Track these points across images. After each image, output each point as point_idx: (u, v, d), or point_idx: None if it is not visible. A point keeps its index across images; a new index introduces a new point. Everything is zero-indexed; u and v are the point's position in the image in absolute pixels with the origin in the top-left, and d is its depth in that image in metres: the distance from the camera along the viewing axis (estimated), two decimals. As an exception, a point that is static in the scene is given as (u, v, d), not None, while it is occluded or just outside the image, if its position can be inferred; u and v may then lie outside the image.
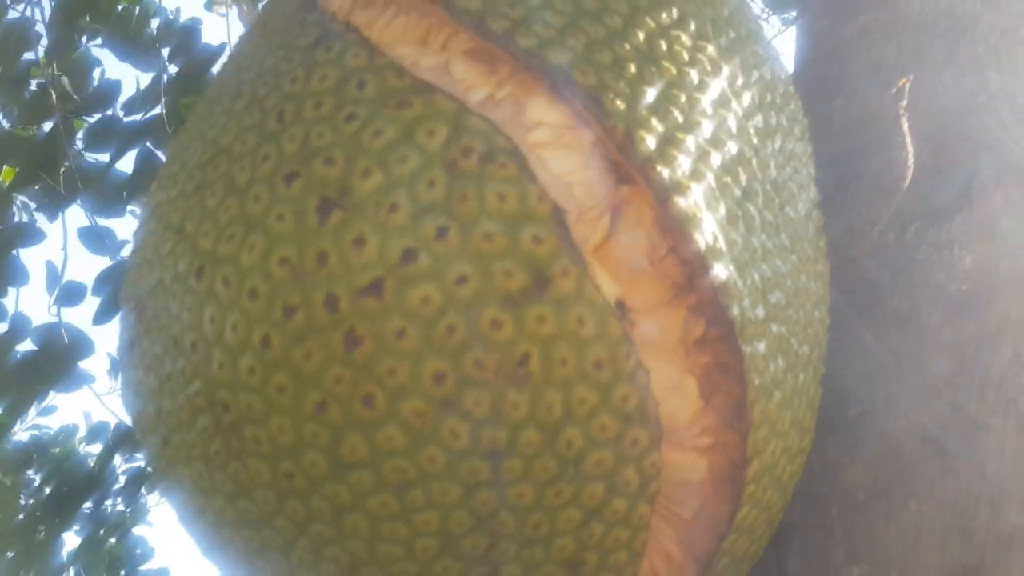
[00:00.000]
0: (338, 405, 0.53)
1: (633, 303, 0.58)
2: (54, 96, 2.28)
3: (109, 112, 2.40)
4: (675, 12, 0.65)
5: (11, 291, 2.37)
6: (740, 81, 0.65)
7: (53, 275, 2.36)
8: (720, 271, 0.58)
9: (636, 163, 0.57)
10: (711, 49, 0.65)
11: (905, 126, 0.68)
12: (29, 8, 2.41)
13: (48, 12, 2.40)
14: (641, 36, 0.62)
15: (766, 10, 2.94)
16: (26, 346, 2.33)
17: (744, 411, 0.60)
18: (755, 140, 0.64)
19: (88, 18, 2.41)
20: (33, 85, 2.44)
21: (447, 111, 0.55)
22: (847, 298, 0.78)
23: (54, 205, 2.31)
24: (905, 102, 0.69)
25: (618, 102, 0.58)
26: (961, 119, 0.84)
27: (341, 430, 0.54)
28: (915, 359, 0.75)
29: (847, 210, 0.81)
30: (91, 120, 2.40)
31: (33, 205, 2.53)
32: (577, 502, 0.57)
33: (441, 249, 0.53)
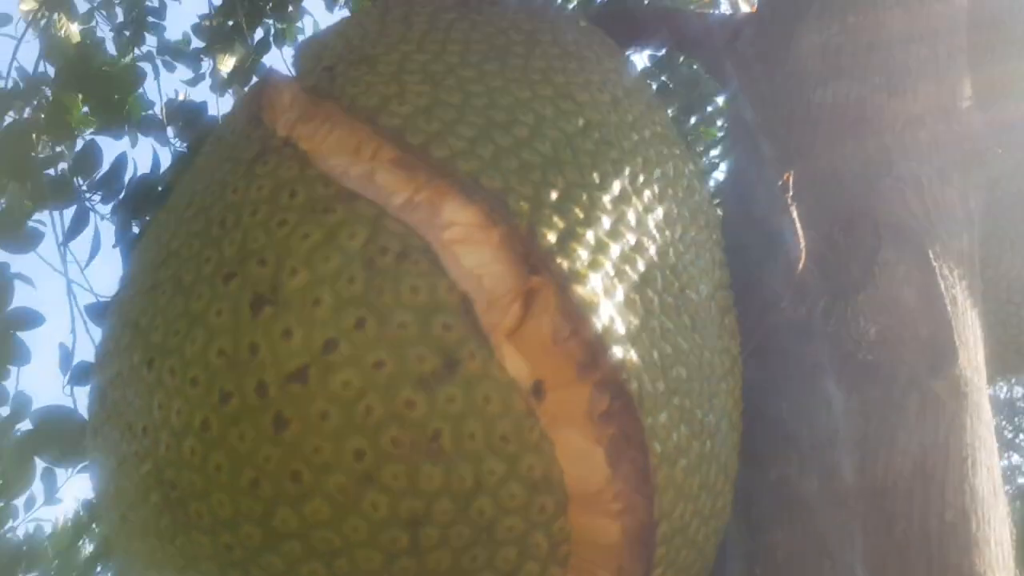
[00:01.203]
0: (269, 481, 0.59)
1: (543, 380, 0.64)
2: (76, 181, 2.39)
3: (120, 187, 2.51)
4: (580, 121, 0.72)
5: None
6: (641, 179, 0.73)
7: (66, 357, 2.46)
8: (617, 351, 0.64)
9: (540, 256, 0.64)
10: (613, 153, 0.72)
11: (794, 214, 0.75)
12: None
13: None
14: (547, 143, 0.69)
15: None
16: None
17: (649, 477, 0.66)
18: (654, 231, 0.71)
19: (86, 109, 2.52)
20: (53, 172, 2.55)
21: (367, 215, 0.63)
22: (761, 369, 0.84)
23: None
24: (791, 193, 0.76)
25: (522, 203, 0.65)
26: (867, 200, 0.91)
27: (273, 504, 0.60)
28: (825, 426, 0.81)
29: (763, 288, 0.88)
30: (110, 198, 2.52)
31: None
32: (492, 566, 0.62)
33: (360, 338, 0.59)
